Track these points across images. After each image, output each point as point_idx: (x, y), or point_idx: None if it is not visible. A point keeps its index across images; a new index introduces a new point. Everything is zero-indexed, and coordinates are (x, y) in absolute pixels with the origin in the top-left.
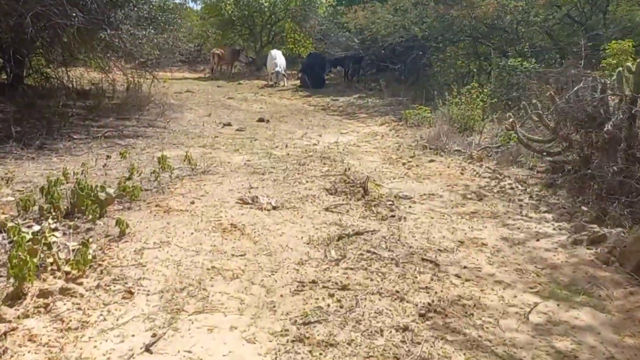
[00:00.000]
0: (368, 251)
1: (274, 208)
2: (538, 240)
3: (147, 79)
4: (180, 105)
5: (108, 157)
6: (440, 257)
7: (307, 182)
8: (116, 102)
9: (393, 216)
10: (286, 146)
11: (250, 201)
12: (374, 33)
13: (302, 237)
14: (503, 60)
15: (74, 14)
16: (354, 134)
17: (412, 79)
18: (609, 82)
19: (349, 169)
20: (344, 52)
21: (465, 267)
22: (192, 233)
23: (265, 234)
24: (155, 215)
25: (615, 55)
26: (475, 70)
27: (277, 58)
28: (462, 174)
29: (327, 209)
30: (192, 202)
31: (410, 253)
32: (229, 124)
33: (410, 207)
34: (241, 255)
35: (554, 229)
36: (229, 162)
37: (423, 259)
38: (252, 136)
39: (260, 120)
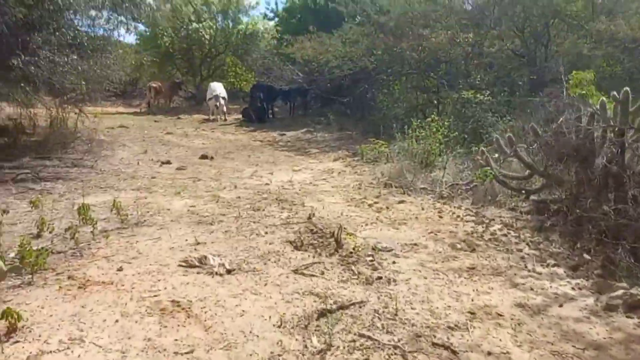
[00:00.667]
0: (361, 334)
1: (229, 272)
2: (561, 305)
3: (74, 113)
4: (112, 142)
5: (4, 212)
6: (454, 338)
7: (266, 233)
8: (37, 140)
9: (379, 278)
10: (235, 187)
11: (197, 263)
12: (321, 65)
13: (270, 317)
14: (456, 92)
15: None
16: (308, 172)
17: (359, 113)
18: (596, 111)
19: (313, 214)
20: (288, 85)
21: (490, 354)
22: (118, 321)
23: (219, 315)
24: (65, 294)
25: (579, 84)
26: (422, 103)
27: (218, 88)
28: (440, 217)
29: (296, 271)
30: (120, 269)
31: (415, 335)
32: (168, 162)
33: (394, 262)
34: (188, 353)
35: (573, 288)
36: (168, 209)
37: (434, 344)
38: (195, 176)
39: (204, 157)
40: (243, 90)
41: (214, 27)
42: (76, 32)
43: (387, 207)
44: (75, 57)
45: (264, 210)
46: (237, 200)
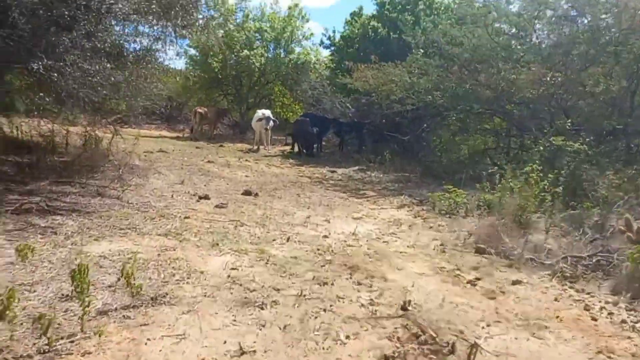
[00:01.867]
0: None
1: None
2: None
3: (110, 132)
4: (147, 168)
5: None
6: None
7: (347, 336)
8: (65, 160)
9: None
10: (288, 239)
11: None
12: (381, 97)
13: None
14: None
15: None
16: (371, 221)
17: (418, 153)
18: None
19: (409, 303)
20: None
21: None
22: None
23: None
24: None
25: None
26: (492, 147)
27: (267, 112)
28: (594, 319)
29: None
30: None
31: None
32: (206, 197)
33: None
34: None
35: None
36: (202, 273)
37: None
38: (237, 218)
39: (247, 193)
40: (289, 121)
41: (265, 55)
42: (115, 38)
43: (502, 291)
44: (109, 65)
45: (332, 284)
46: (294, 262)
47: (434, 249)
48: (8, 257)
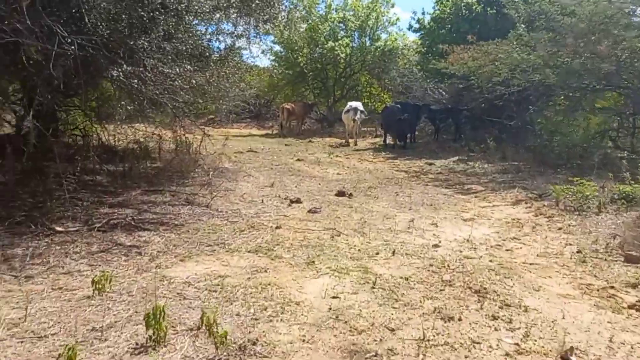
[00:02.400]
0: None
1: None
2: None
3: (198, 135)
4: (236, 171)
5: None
6: None
7: None
8: (157, 166)
9: None
10: (393, 252)
11: None
12: (483, 80)
13: None
14: None
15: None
16: (486, 222)
17: (525, 139)
18: None
19: (571, 351)
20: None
21: None
22: None
23: None
24: None
25: None
26: (615, 128)
27: (355, 103)
28: None
29: None
30: None
31: None
32: (298, 201)
33: None
34: None
35: None
36: (297, 304)
37: None
38: (332, 225)
39: (341, 193)
40: (378, 111)
41: (350, 45)
42: (197, 40)
43: None
44: (190, 67)
45: (460, 319)
46: (405, 285)
47: (570, 258)
48: (86, 289)
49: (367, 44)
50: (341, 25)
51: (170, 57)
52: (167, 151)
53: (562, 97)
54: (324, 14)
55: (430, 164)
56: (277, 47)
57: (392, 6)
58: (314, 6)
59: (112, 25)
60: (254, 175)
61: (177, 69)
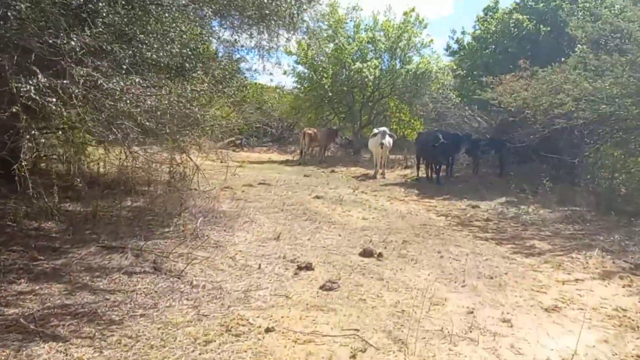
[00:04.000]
0: None
1: None
2: None
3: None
4: (236, 215)
5: None
6: None
7: None
8: (137, 206)
9: None
10: None
11: None
12: (539, 111)
13: None
14: None
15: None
16: (579, 316)
17: (586, 178)
18: None
19: None
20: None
21: None
22: None
23: None
24: None
25: None
26: None
27: (383, 127)
28: None
29: None
30: None
31: None
32: (308, 267)
33: None
34: None
35: None
36: None
37: None
38: (354, 320)
39: (367, 253)
40: (407, 139)
41: (379, 67)
42: (180, 47)
43: None
44: (140, 80)
45: None
46: None
47: None
48: None
49: (398, 66)
50: (370, 46)
51: (124, 67)
52: (162, 182)
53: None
54: (352, 33)
55: (474, 207)
56: (300, 68)
57: (425, 27)
58: (342, 25)
59: (26, 12)
60: (258, 220)
61: (122, 83)
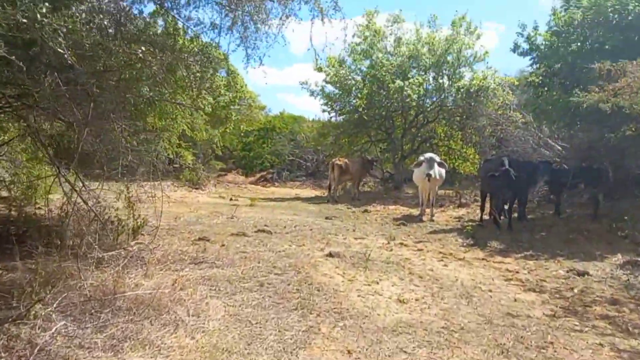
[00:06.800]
0: None
1: None
2: None
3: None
4: (156, 306)
5: None
6: None
7: None
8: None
9: None
10: None
11: None
12: None
13: None
14: None
15: None
16: None
17: None
18: None
19: None
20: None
21: None
22: None
23: None
24: None
25: None
26: None
27: (432, 154)
28: None
29: None
30: None
31: None
32: None
33: None
34: None
35: None
36: None
37: None
38: None
39: None
40: (458, 171)
41: (424, 86)
42: None
43: None
44: None
45: None
46: None
47: None
48: None
49: (446, 84)
50: (412, 62)
51: None
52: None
53: None
54: (391, 48)
55: (581, 274)
56: (329, 88)
57: (478, 37)
58: (380, 39)
59: None
60: (202, 313)
61: None
